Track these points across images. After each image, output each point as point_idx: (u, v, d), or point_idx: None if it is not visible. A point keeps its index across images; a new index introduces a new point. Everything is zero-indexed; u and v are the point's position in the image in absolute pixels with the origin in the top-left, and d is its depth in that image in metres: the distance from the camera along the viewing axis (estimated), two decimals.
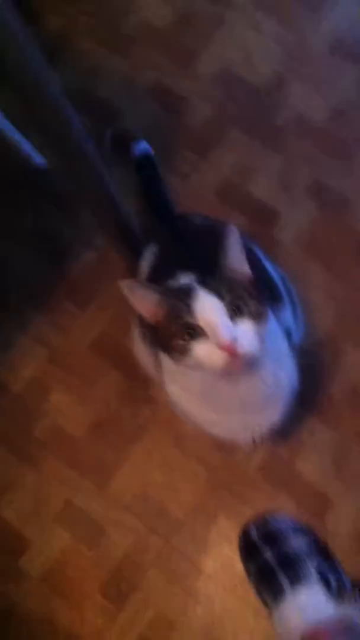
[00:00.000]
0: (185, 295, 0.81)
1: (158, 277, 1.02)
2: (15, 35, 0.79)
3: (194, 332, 0.79)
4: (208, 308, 0.79)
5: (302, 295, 1.32)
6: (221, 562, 1.21)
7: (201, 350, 0.79)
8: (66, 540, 1.24)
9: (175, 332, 0.81)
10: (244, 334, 0.79)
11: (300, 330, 1.23)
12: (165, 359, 0.90)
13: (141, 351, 1.16)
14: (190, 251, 1.04)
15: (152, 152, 1.40)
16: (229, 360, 0.78)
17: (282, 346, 0.97)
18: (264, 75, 1.50)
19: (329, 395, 1.29)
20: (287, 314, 1.11)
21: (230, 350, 0.77)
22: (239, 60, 1.52)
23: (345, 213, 1.39)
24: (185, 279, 0.95)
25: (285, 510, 1.23)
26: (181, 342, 0.80)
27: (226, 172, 1.44)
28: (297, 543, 1.15)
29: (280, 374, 0.94)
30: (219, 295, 0.80)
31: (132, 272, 1.19)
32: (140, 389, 1.32)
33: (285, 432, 1.25)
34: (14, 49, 0.80)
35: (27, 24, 1.57)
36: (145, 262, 1.12)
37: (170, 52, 1.55)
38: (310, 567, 1.10)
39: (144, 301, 0.84)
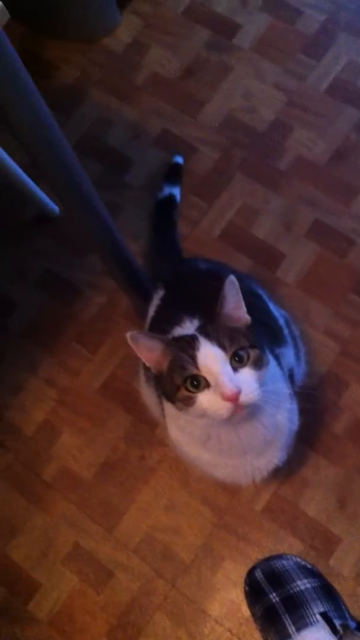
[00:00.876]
0: (188, 346, 0.83)
1: (164, 321, 1.04)
2: (23, 89, 0.82)
3: (198, 383, 0.82)
4: (211, 359, 0.81)
5: (305, 334, 1.34)
6: (227, 605, 1.21)
7: (205, 401, 0.81)
8: (74, 584, 1.25)
9: (180, 383, 0.83)
10: (246, 383, 0.81)
11: (302, 369, 1.24)
12: (167, 404, 0.92)
13: (147, 394, 1.18)
14: (196, 295, 1.07)
15: (179, 199, 1.45)
16: (232, 410, 0.80)
17: (282, 389, 0.97)
18: (267, 121, 1.54)
19: (332, 433, 1.29)
20: (289, 354, 1.13)
21: (234, 400, 0.79)
22: (243, 107, 1.56)
23: (348, 253, 1.41)
24: (188, 326, 0.98)
25: (291, 550, 1.22)
26: (185, 393, 0.83)
27: (231, 215, 1.47)
28: (302, 585, 1.14)
29: (281, 418, 0.96)
30: (221, 346, 0.82)
31: (141, 315, 1.22)
32: (148, 431, 1.34)
33: (289, 471, 1.26)
34: (20, 104, 0.83)
35: (39, 73, 1.64)
36: (152, 306, 1.15)
37: (177, 102, 1.60)
38: (315, 610, 1.10)
39: (148, 351, 0.87)
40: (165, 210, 1.47)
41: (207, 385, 0.81)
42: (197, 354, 0.82)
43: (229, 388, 0.78)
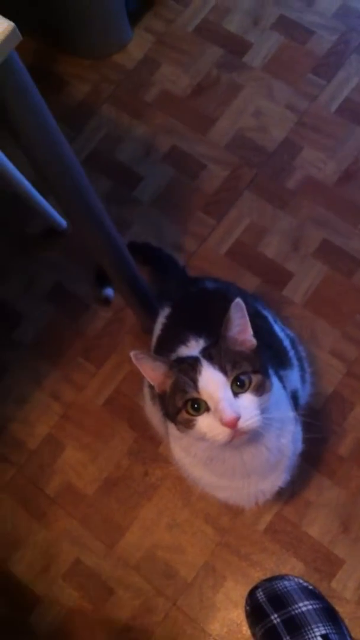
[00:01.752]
0: (190, 369, 0.83)
1: (170, 339, 1.05)
2: (33, 107, 0.82)
3: (199, 406, 0.82)
4: (212, 384, 0.81)
5: (312, 354, 1.34)
6: (228, 625, 1.20)
7: (205, 424, 0.81)
8: (75, 599, 1.25)
9: (180, 406, 0.83)
10: (246, 409, 0.81)
11: (307, 390, 1.24)
12: (170, 424, 0.93)
13: (151, 411, 1.19)
14: (202, 315, 1.07)
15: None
16: (231, 435, 0.80)
17: (286, 413, 0.97)
18: (277, 140, 1.54)
19: (337, 454, 1.29)
20: (294, 375, 1.13)
21: (232, 426, 0.79)
22: (253, 126, 1.57)
23: (355, 273, 1.41)
24: (194, 345, 0.98)
25: (293, 571, 1.22)
26: (186, 415, 0.83)
27: (239, 233, 1.48)
28: (304, 607, 1.14)
29: (285, 441, 0.95)
30: (223, 370, 0.82)
31: (146, 331, 1.22)
32: (152, 448, 1.34)
33: (292, 492, 1.25)
34: (30, 121, 0.84)
35: (51, 89, 1.66)
36: (159, 324, 1.15)
37: (187, 119, 1.61)
38: (317, 632, 1.09)
39: (152, 372, 0.87)
40: (139, 249, 1.41)
41: (208, 409, 0.81)
42: (199, 377, 0.82)
43: (227, 413, 0.78)
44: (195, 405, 0.82)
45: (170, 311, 1.14)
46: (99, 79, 1.69)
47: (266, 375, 0.85)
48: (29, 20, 1.65)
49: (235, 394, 0.81)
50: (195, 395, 0.82)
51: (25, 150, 0.87)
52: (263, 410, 0.82)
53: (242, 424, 0.79)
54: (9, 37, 0.67)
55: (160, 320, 1.15)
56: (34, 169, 0.93)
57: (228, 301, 0.86)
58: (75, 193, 0.99)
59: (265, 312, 1.18)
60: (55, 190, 0.98)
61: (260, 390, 0.83)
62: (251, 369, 0.83)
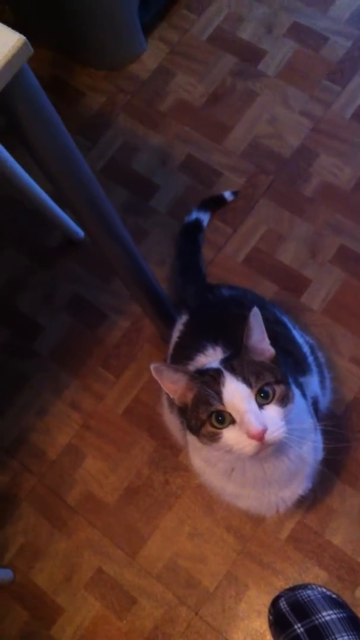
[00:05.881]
0: (213, 381, 0.83)
1: (187, 347, 1.05)
2: (46, 121, 0.83)
3: (223, 418, 0.81)
4: (237, 396, 0.80)
5: (331, 361, 1.33)
6: (251, 635, 1.20)
7: (231, 437, 0.81)
8: (97, 609, 1.25)
9: (205, 418, 0.82)
10: (272, 420, 0.80)
11: (327, 396, 1.23)
12: (190, 434, 0.92)
13: (170, 420, 1.19)
14: (219, 323, 1.07)
15: (205, 224, 1.46)
16: (258, 448, 0.79)
17: (306, 421, 0.97)
18: (293, 147, 1.55)
19: (359, 460, 1.28)
20: (314, 382, 1.12)
21: (260, 439, 0.78)
22: (268, 133, 1.57)
23: None
24: (211, 353, 0.98)
25: (316, 580, 1.21)
26: (210, 428, 0.82)
27: (256, 240, 1.48)
28: (327, 616, 1.12)
29: (306, 449, 0.95)
30: (247, 382, 0.81)
31: (165, 340, 1.23)
32: (172, 456, 1.34)
33: (314, 499, 1.25)
34: (44, 135, 0.85)
35: (67, 100, 1.67)
36: (176, 332, 1.15)
37: (203, 128, 1.61)
38: None
39: (172, 384, 0.86)
40: (190, 235, 1.47)
41: (233, 421, 0.80)
42: (223, 389, 0.81)
43: (254, 426, 0.77)
44: (220, 418, 0.81)
45: (188, 319, 1.14)
46: (114, 90, 1.70)
47: (288, 385, 0.85)
48: (45, 33, 1.67)
49: (260, 406, 0.81)
50: (220, 407, 0.81)
51: (39, 163, 0.88)
52: (287, 421, 0.82)
53: (269, 435, 0.79)
54: (20, 51, 0.68)
55: (178, 327, 1.15)
56: (49, 181, 0.93)
57: (245, 309, 0.85)
58: (90, 204, 1.00)
59: (284, 319, 1.17)
60: (70, 201, 0.99)
61: (285, 400, 0.82)
62: (274, 380, 0.83)
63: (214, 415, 0.81)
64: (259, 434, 0.78)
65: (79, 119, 1.67)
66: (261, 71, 1.64)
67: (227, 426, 0.81)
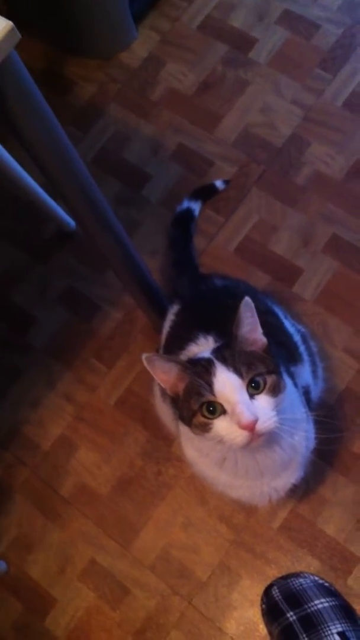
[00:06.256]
0: (205, 371, 0.82)
1: (179, 337, 1.04)
2: (35, 109, 0.82)
3: (214, 409, 0.81)
4: (228, 387, 0.80)
5: (324, 351, 1.33)
6: (244, 624, 1.20)
7: (222, 428, 0.81)
8: (90, 600, 1.25)
9: (196, 409, 0.82)
10: (263, 410, 0.80)
11: (319, 386, 1.23)
12: (182, 425, 0.92)
13: (162, 410, 1.18)
14: (211, 312, 1.07)
15: (197, 213, 1.46)
16: (249, 438, 0.79)
17: (298, 410, 0.97)
18: (285, 136, 1.54)
19: (351, 451, 1.28)
20: (305, 371, 1.12)
21: (251, 429, 0.78)
22: (260, 122, 1.56)
23: None
24: (203, 343, 0.98)
25: (309, 569, 1.22)
26: (202, 419, 0.82)
27: (248, 230, 1.47)
28: (320, 604, 1.13)
29: (298, 438, 0.95)
30: (238, 373, 0.81)
31: (158, 331, 1.22)
32: (165, 447, 1.34)
33: (307, 489, 1.25)
34: (33, 123, 0.84)
35: (58, 90, 1.66)
36: (168, 321, 1.15)
37: (194, 117, 1.60)
38: (333, 630, 1.08)
39: (164, 374, 0.86)
40: (181, 225, 1.47)
41: (224, 411, 0.80)
42: (214, 380, 0.81)
43: (245, 416, 0.77)
44: (211, 408, 0.81)
45: (180, 308, 1.13)
46: (105, 79, 1.69)
47: (280, 375, 0.84)
48: (37, 23, 1.66)
49: (251, 396, 0.81)
50: (211, 398, 0.81)
51: (30, 152, 0.87)
52: (278, 411, 0.82)
53: (260, 426, 0.79)
54: (7, 36, 0.67)
55: (170, 317, 1.15)
56: (40, 171, 0.93)
57: (237, 298, 0.85)
58: (81, 194, 0.99)
59: (276, 308, 1.17)
60: (61, 192, 0.98)
61: (276, 390, 0.82)
62: (265, 370, 0.82)
63: (205, 406, 0.81)
64: (249, 425, 0.78)
65: (70, 109, 1.66)
66: (252, 59, 1.63)
67: (218, 416, 0.81)
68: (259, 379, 0.81)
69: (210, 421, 0.81)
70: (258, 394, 0.81)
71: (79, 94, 1.69)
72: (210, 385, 0.81)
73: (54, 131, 0.87)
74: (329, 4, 1.64)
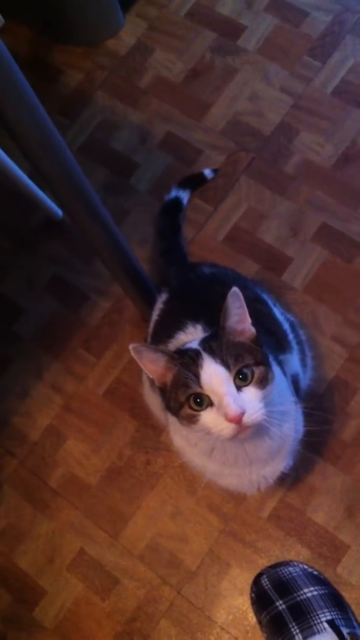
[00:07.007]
0: (192, 363, 0.82)
1: (167, 325, 1.04)
2: (20, 95, 0.81)
3: (201, 401, 0.80)
4: (215, 379, 0.79)
5: (313, 339, 1.33)
6: (234, 613, 1.20)
7: (209, 420, 0.80)
8: (80, 591, 1.25)
9: (183, 400, 0.82)
10: (250, 403, 0.79)
11: (308, 374, 1.23)
12: (171, 415, 0.92)
13: (150, 399, 1.18)
14: (200, 301, 1.06)
15: (185, 203, 1.45)
16: (236, 431, 0.79)
17: (287, 399, 0.96)
18: (273, 124, 1.53)
19: (340, 440, 1.28)
20: (294, 359, 1.12)
21: (238, 422, 0.77)
22: (249, 110, 1.55)
23: (356, 258, 1.40)
24: (192, 331, 0.97)
25: (298, 557, 1.22)
26: (189, 410, 0.81)
27: (237, 219, 1.47)
28: (309, 592, 1.13)
29: (287, 427, 0.94)
30: (225, 365, 0.80)
31: (146, 320, 1.22)
32: (154, 436, 1.33)
33: (296, 477, 1.25)
34: (18, 109, 0.82)
35: (45, 78, 1.65)
36: (156, 310, 1.14)
37: (182, 105, 1.59)
38: (323, 618, 1.09)
39: (152, 365, 0.85)
40: (170, 214, 1.46)
41: (211, 403, 0.80)
42: (201, 371, 0.80)
43: (232, 409, 0.77)
44: (198, 400, 0.80)
45: (168, 297, 1.13)
46: (92, 67, 1.67)
47: (268, 366, 0.84)
48: (23, 9, 1.64)
49: (238, 388, 0.80)
50: (198, 390, 0.80)
51: (15, 140, 0.86)
52: (267, 403, 0.81)
53: (247, 418, 0.78)
54: None
55: (158, 305, 1.14)
56: (25, 158, 0.91)
57: (226, 287, 0.84)
58: (68, 183, 0.98)
59: (265, 296, 1.17)
60: (48, 179, 0.97)
61: (264, 382, 0.81)
62: (253, 361, 0.82)
63: (192, 398, 0.81)
64: (236, 418, 0.77)
65: (56, 97, 1.64)
66: (241, 47, 1.61)
67: (205, 408, 0.80)
68: (247, 371, 0.81)
69: (197, 413, 0.81)
70: (246, 385, 0.80)
71: (65, 81, 1.68)
72: (197, 377, 0.80)
73: (40, 119, 0.85)
74: None
